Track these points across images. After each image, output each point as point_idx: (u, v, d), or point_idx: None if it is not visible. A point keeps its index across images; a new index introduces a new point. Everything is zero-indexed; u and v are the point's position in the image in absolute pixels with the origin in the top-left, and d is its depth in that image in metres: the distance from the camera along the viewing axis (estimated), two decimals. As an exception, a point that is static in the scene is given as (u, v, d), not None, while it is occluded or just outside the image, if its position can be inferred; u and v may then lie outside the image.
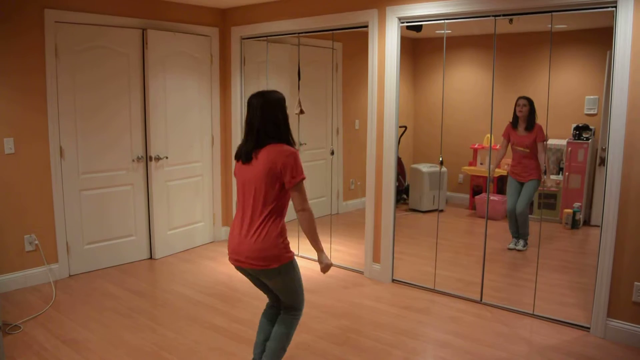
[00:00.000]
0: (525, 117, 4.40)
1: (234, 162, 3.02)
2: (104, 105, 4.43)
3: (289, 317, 2.60)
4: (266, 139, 2.38)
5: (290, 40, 5.06)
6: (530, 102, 4.38)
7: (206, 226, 5.38)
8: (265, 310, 2.75)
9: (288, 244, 2.45)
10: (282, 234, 2.42)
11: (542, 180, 4.56)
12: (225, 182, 5.44)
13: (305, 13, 4.52)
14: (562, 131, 4.70)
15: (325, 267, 2.49)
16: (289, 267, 2.44)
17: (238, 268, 2.51)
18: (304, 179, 2.38)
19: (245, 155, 2.41)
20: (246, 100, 2.57)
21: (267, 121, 2.38)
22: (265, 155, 2.35)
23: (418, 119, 5.78)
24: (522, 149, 4.48)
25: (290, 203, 2.47)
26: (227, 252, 2.52)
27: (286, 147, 2.39)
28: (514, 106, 4.45)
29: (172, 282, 4.30)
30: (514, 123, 4.50)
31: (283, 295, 2.55)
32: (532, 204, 4.64)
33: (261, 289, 2.65)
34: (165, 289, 4.15)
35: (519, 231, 4.65)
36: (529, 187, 4.56)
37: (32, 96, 4.00)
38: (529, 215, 4.63)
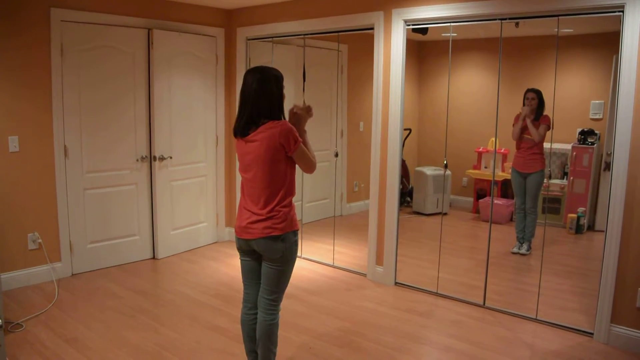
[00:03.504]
0: (534, 110, 4.42)
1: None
2: (109, 104, 4.44)
3: (270, 325, 2.56)
4: (259, 113, 2.39)
5: (295, 42, 5.05)
6: (539, 95, 4.40)
7: (209, 227, 5.38)
8: (243, 320, 2.69)
9: (295, 218, 2.50)
10: (289, 207, 2.47)
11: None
12: (229, 183, 5.44)
13: (311, 14, 4.52)
14: (567, 135, 4.69)
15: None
16: (291, 237, 2.47)
17: (241, 244, 2.54)
18: (301, 142, 2.43)
19: (241, 131, 2.43)
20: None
21: (262, 95, 2.38)
22: (263, 135, 2.37)
23: (423, 121, 5.77)
24: (529, 136, 4.49)
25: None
26: (235, 228, 2.57)
27: (279, 121, 2.41)
28: (523, 99, 4.48)
29: (174, 282, 4.30)
30: None
31: (272, 277, 2.51)
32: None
33: (249, 277, 2.62)
34: (168, 289, 4.15)
35: (526, 230, 4.63)
36: (533, 182, 4.55)
37: (38, 95, 4.01)
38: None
